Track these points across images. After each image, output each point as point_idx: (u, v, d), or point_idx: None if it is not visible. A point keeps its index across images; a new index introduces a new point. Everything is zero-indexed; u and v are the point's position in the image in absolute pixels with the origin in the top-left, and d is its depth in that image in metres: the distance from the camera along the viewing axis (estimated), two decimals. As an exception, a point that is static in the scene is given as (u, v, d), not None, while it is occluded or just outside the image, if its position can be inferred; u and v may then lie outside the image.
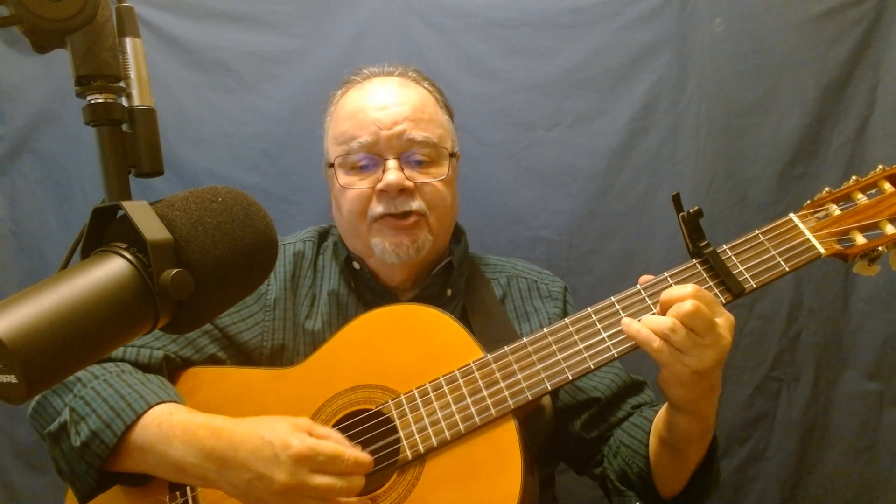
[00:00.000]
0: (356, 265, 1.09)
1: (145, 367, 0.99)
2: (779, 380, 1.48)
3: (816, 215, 0.92)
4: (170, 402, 0.91)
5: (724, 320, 0.83)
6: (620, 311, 0.90)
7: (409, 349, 0.96)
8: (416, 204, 1.03)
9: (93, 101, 0.51)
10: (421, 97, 1.08)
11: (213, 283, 0.51)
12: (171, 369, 1.02)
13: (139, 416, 0.87)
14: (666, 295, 0.83)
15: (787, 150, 1.44)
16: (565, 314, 1.14)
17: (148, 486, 0.95)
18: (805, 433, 1.47)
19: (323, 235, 1.18)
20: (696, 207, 0.88)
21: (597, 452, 1.07)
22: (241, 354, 1.06)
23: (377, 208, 1.03)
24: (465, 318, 1.08)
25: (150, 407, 0.89)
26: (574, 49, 1.49)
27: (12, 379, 0.41)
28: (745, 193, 1.46)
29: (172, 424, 0.87)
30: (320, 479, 0.81)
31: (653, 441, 0.96)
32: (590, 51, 1.49)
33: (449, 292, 1.11)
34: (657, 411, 0.98)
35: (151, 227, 0.48)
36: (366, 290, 1.10)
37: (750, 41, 1.44)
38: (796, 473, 1.47)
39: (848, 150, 1.43)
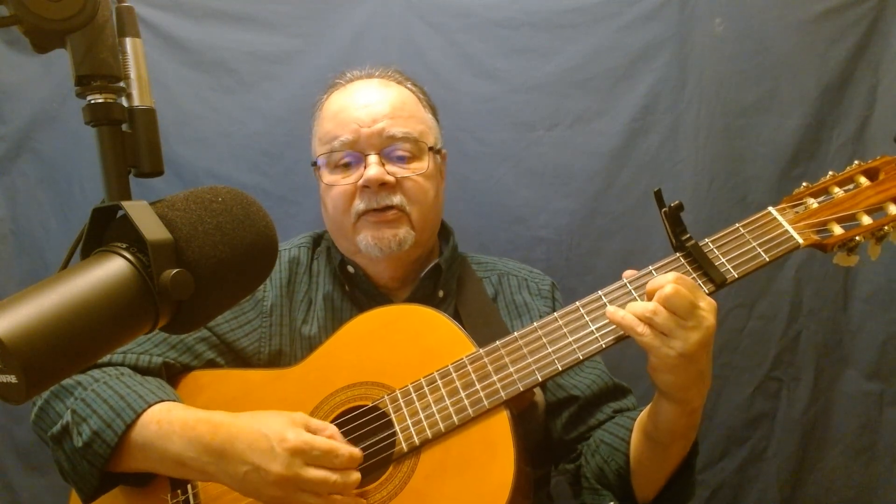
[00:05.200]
0: (350, 268, 1.11)
1: (144, 372, 1.00)
2: (779, 380, 1.48)
3: (795, 209, 0.95)
4: (168, 401, 0.93)
5: (706, 304, 0.84)
6: (607, 304, 0.91)
7: (403, 347, 0.98)
8: (398, 199, 1.05)
9: (93, 101, 0.51)
10: (401, 96, 1.10)
11: (213, 282, 0.51)
12: (170, 374, 1.04)
13: (139, 415, 0.89)
14: (650, 284, 0.86)
15: (787, 150, 1.45)
16: (554, 311, 1.15)
17: (149, 486, 0.96)
18: (805, 433, 1.47)
19: (317, 240, 1.19)
20: (677, 202, 0.90)
21: (573, 451, 1.08)
22: (239, 360, 1.07)
23: (360, 205, 1.05)
24: (457, 318, 1.09)
25: (149, 406, 0.90)
26: (574, 49, 1.49)
27: (12, 379, 0.41)
28: (745, 193, 1.46)
29: (171, 421, 0.88)
30: (315, 473, 0.83)
31: (636, 436, 0.97)
32: (590, 51, 1.49)
33: (441, 293, 1.12)
34: (641, 411, 0.98)
35: (151, 227, 0.48)
36: (360, 293, 1.12)
37: (750, 41, 1.44)
38: (796, 473, 1.47)
39: (848, 151, 1.43)
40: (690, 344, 0.81)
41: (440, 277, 1.12)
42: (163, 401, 0.92)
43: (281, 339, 1.08)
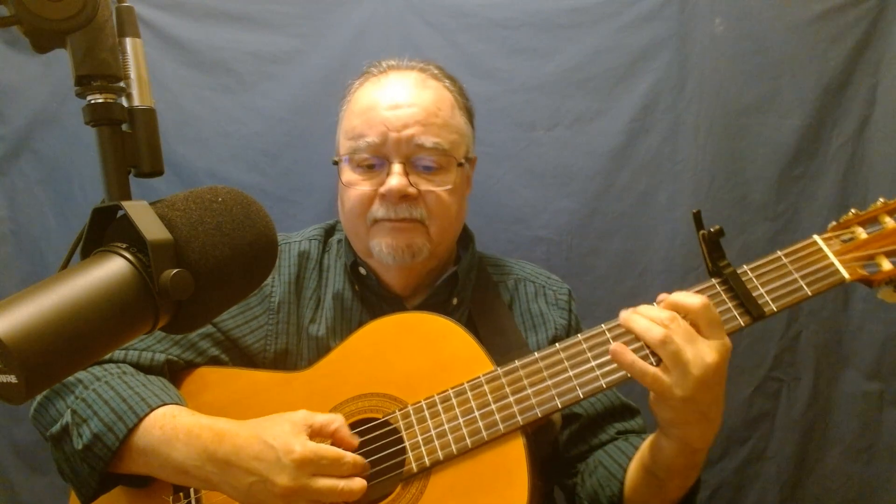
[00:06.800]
0: (362, 270, 1.08)
1: (147, 370, 0.99)
2: (779, 380, 1.47)
3: (841, 238, 0.89)
4: (172, 404, 0.91)
5: (707, 345, 0.80)
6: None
7: (418, 358, 0.95)
8: (418, 212, 1.01)
9: (93, 101, 0.51)
10: (436, 99, 1.03)
11: (213, 283, 0.51)
12: (174, 371, 1.02)
13: (141, 420, 0.87)
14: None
15: (787, 150, 1.44)
16: (570, 323, 1.13)
17: (151, 487, 0.95)
18: (805, 433, 1.47)
19: (329, 232, 1.16)
20: (718, 227, 0.87)
21: (572, 467, 1.06)
22: (243, 357, 1.05)
23: (378, 212, 1.01)
24: (471, 326, 1.06)
25: (152, 409, 0.89)
26: (574, 49, 1.49)
27: (12, 379, 0.41)
28: (745, 193, 1.46)
29: (175, 427, 0.87)
30: (322, 482, 0.81)
31: (634, 465, 0.95)
32: (590, 51, 1.48)
33: (455, 301, 1.08)
34: (643, 439, 0.96)
35: (151, 227, 0.48)
36: (370, 294, 1.09)
37: (750, 41, 1.44)
38: (796, 473, 1.47)
39: (848, 150, 1.43)
40: (687, 387, 0.78)
41: (456, 285, 1.09)
42: (166, 404, 0.90)
43: (288, 338, 1.06)
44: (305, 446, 0.81)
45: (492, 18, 1.50)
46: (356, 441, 0.88)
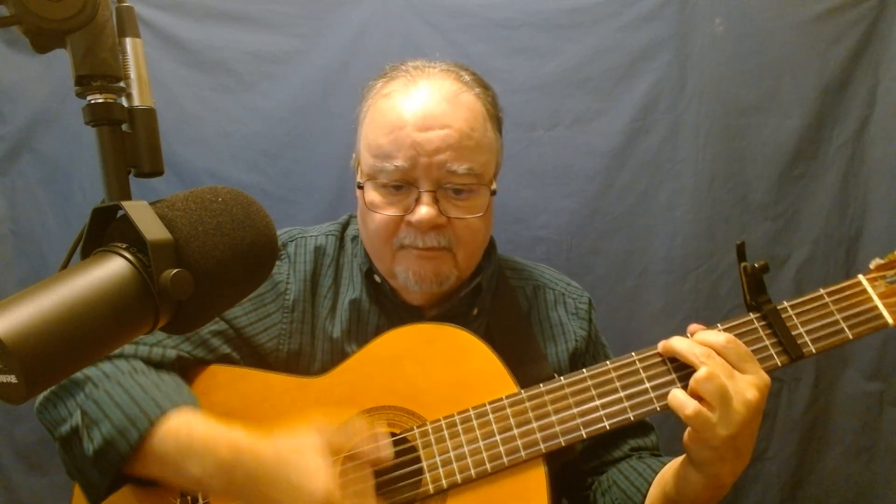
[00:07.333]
0: (377, 278, 1.04)
1: (157, 366, 0.96)
2: (779, 380, 1.48)
3: (887, 279, 0.87)
4: (185, 407, 0.88)
5: (750, 379, 0.79)
6: (667, 361, 0.86)
7: (438, 373, 0.92)
8: (445, 240, 0.96)
9: (93, 101, 0.51)
10: (469, 116, 0.97)
11: (213, 282, 0.51)
12: (184, 367, 0.99)
13: (153, 424, 0.84)
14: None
15: (787, 150, 1.45)
16: (590, 334, 1.10)
17: (158, 491, 0.92)
18: (805, 433, 1.47)
19: (345, 227, 1.12)
20: (763, 262, 0.85)
21: (583, 480, 1.05)
22: (255, 356, 1.03)
23: (405, 238, 0.97)
24: (488, 335, 1.03)
25: (165, 413, 0.85)
26: (574, 49, 1.49)
27: (12, 379, 0.41)
28: (745, 193, 1.46)
29: (192, 436, 0.83)
30: None
31: (655, 492, 0.93)
32: (590, 51, 1.49)
33: (475, 311, 1.05)
34: (662, 461, 0.95)
35: (151, 227, 0.48)
36: (387, 301, 1.06)
37: (750, 41, 1.45)
38: (796, 473, 1.47)
39: (848, 150, 1.43)
40: (731, 425, 0.77)
41: (479, 296, 1.05)
42: (179, 406, 0.87)
43: (301, 337, 1.03)
44: (329, 489, 0.77)
45: (492, 18, 1.50)
46: (391, 453, 0.83)
